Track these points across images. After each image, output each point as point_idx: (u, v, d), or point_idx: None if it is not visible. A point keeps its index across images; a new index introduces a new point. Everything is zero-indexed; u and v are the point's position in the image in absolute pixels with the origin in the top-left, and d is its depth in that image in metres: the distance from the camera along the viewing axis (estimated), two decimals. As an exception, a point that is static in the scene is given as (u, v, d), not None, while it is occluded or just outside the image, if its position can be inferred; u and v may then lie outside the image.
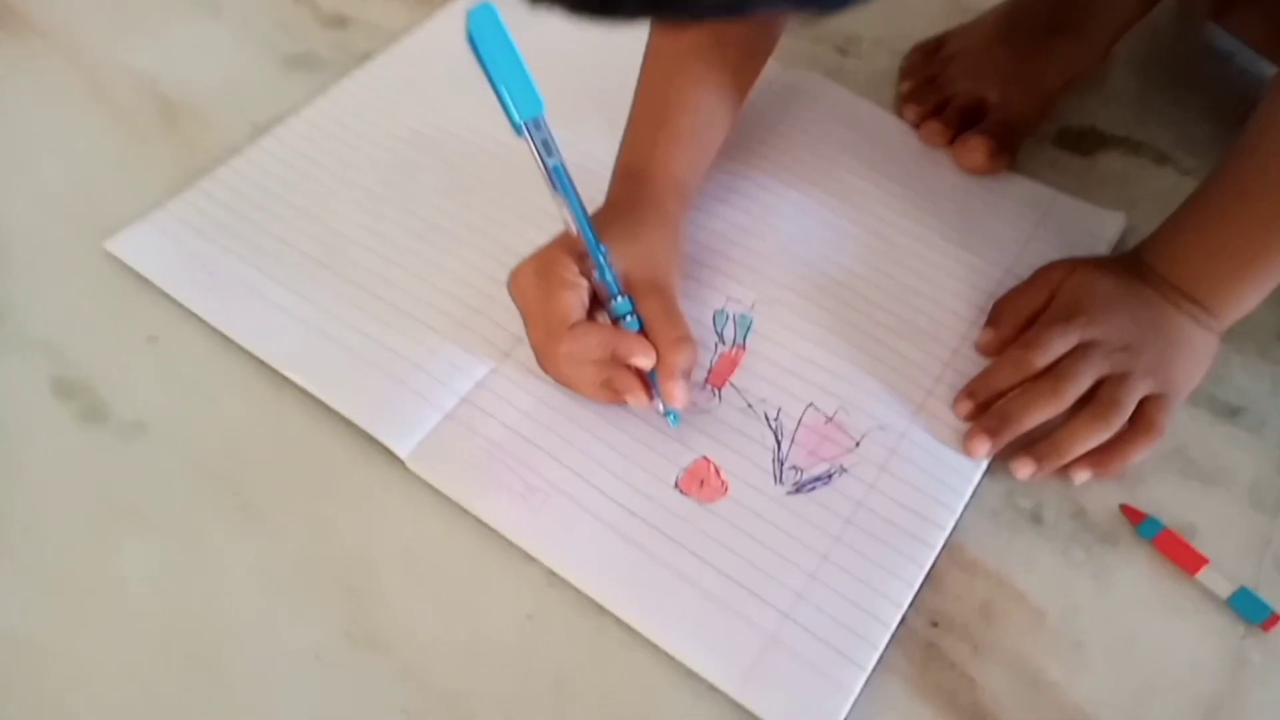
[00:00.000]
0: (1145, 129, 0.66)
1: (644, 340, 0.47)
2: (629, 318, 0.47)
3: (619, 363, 0.47)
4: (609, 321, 0.48)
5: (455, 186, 0.58)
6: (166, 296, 0.53)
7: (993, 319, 0.53)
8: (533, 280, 0.47)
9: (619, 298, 0.47)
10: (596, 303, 0.48)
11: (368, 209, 0.57)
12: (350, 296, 0.53)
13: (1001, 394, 0.49)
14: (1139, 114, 0.67)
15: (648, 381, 0.47)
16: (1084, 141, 0.65)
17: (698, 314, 0.53)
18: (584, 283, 0.47)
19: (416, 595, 0.44)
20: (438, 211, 0.57)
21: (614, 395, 0.48)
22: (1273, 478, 0.49)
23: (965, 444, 0.49)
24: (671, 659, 0.43)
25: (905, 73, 0.66)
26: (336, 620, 0.43)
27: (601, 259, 0.45)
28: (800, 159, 0.61)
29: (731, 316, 0.53)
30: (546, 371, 0.49)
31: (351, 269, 0.54)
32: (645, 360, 0.46)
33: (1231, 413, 0.52)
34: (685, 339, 0.47)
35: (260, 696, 0.42)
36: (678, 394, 0.47)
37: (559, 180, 0.42)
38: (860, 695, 0.42)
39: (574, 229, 0.45)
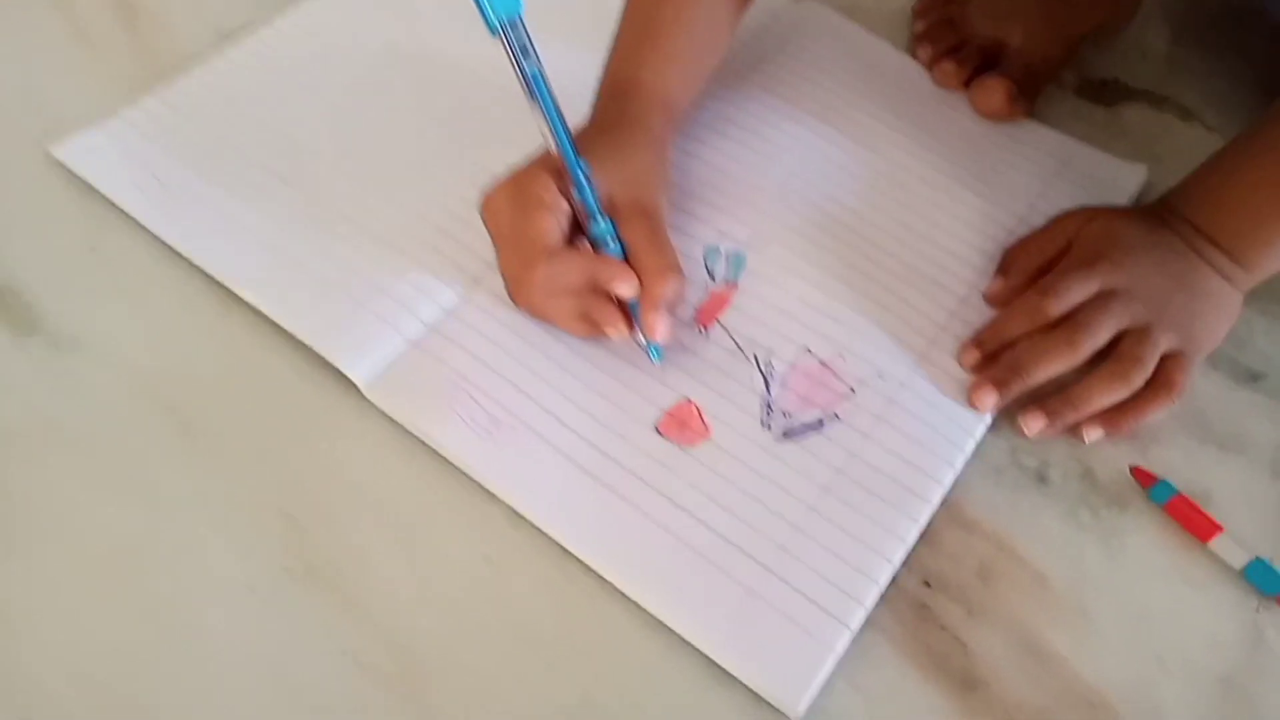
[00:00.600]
0: (1172, 84, 0.62)
1: (626, 267, 0.43)
2: (611, 242, 0.43)
3: (598, 292, 0.43)
4: (588, 248, 0.44)
5: (432, 105, 0.54)
6: (113, 207, 0.49)
7: (1003, 267, 0.50)
8: (506, 202, 0.43)
9: (600, 219, 0.43)
10: (576, 229, 0.44)
11: (338, 125, 0.53)
12: (313, 215, 0.49)
13: (1011, 345, 0.46)
14: (1167, 69, 0.63)
15: (629, 313, 0.44)
16: (1107, 93, 0.61)
17: (688, 249, 0.49)
18: (563, 204, 0.43)
19: (364, 531, 0.41)
20: (412, 130, 0.53)
21: (592, 328, 0.44)
22: (1296, 446, 0.46)
23: (970, 395, 0.45)
24: (641, 610, 0.39)
25: (920, 11, 0.62)
26: (275, 552, 0.40)
27: (581, 175, 0.42)
28: (805, 94, 0.57)
29: (724, 253, 0.50)
30: (518, 303, 0.45)
31: (316, 187, 0.50)
32: (628, 288, 0.42)
33: (1252, 377, 0.49)
34: (672, 267, 0.43)
35: (188, 628, 0.38)
36: (660, 327, 0.43)
37: (536, 87, 0.39)
38: (845, 656, 0.38)
39: (552, 144, 0.41)
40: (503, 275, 0.45)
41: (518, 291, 0.45)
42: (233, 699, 0.37)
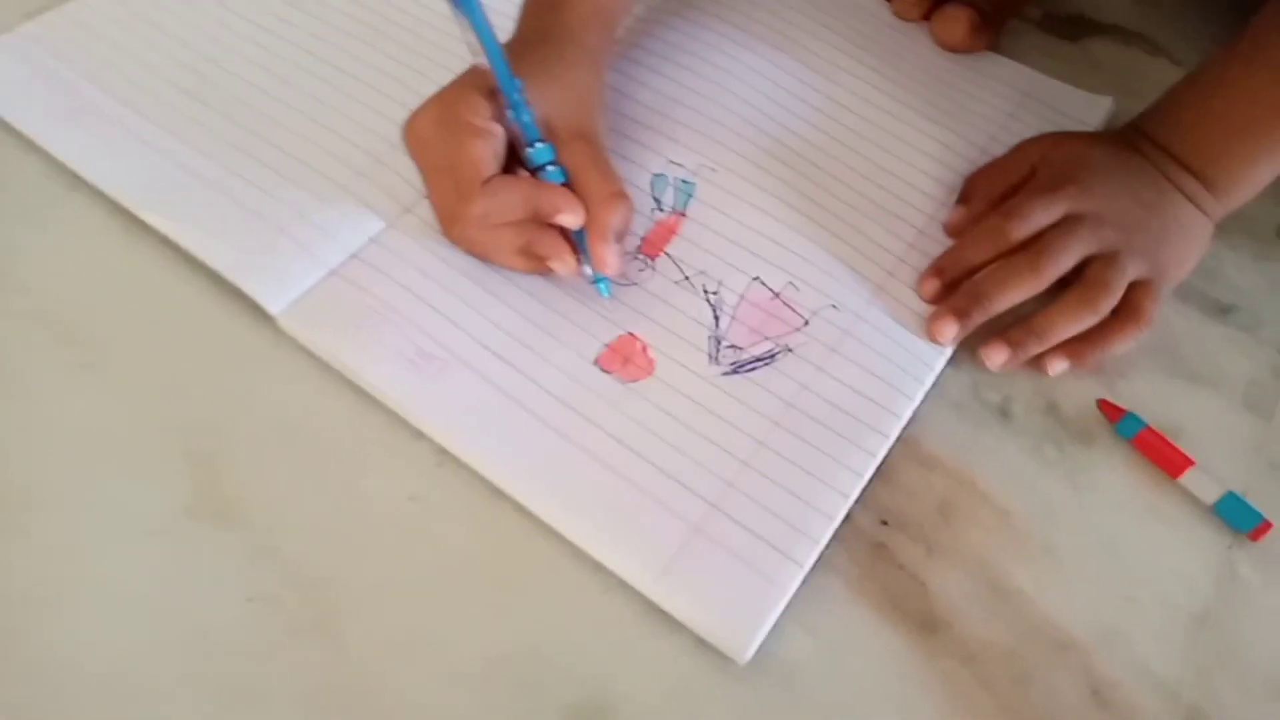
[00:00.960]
0: (1140, 19, 0.60)
1: (571, 194, 0.40)
2: (550, 168, 0.40)
3: (540, 223, 0.40)
4: (526, 175, 0.41)
5: (364, 26, 0.51)
6: (9, 127, 0.45)
7: (964, 195, 0.47)
8: (434, 128, 0.40)
9: (538, 144, 0.40)
10: (512, 155, 0.41)
11: (262, 44, 0.49)
12: (230, 136, 0.45)
13: (973, 271, 0.43)
14: (1133, 3, 0.61)
15: (574, 244, 0.40)
16: (1072, 27, 0.59)
17: (634, 177, 0.46)
18: (497, 129, 0.39)
19: (277, 469, 0.37)
20: (342, 51, 0.50)
21: (535, 263, 0.41)
22: (1269, 380, 0.44)
23: (930, 326, 0.42)
24: (578, 550, 0.36)
25: (880, -58, 0.60)
26: (179, 492, 0.36)
27: (516, 95, 0.38)
28: (760, 21, 0.54)
29: (671, 181, 0.47)
30: (453, 239, 0.42)
31: (236, 107, 0.46)
32: (573, 218, 0.39)
33: (1223, 311, 0.47)
34: (619, 194, 0.40)
35: (81, 571, 0.35)
36: (611, 258, 0.40)
37: None
38: (796, 595, 0.36)
39: (483, 59, 0.37)
40: (434, 208, 0.42)
41: (451, 226, 0.41)
42: (129, 648, 0.33)
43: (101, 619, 0.34)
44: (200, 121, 0.46)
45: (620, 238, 0.41)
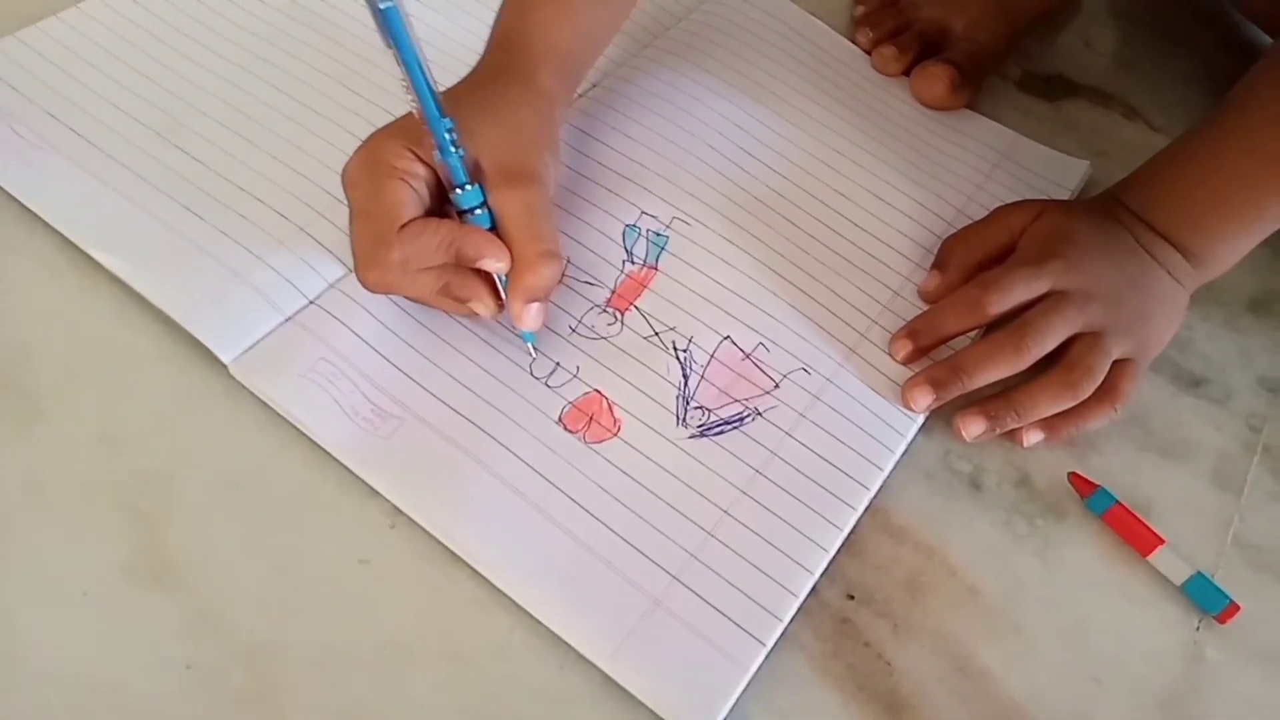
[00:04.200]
0: (1118, 81, 0.60)
1: (494, 239, 0.38)
2: (478, 212, 0.38)
3: (463, 266, 0.38)
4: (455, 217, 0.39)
5: (337, 66, 0.50)
6: (-41, 158, 0.43)
7: (940, 261, 0.47)
8: (359, 171, 0.38)
9: (466, 186, 0.37)
10: (444, 199, 0.39)
11: (231, 82, 0.48)
12: (191, 174, 0.44)
13: (947, 339, 0.43)
14: (1113, 66, 0.61)
15: (495, 286, 0.39)
16: (1050, 88, 0.59)
17: (606, 228, 0.45)
18: (420, 170, 0.37)
19: (223, 528, 0.36)
20: (313, 91, 0.48)
21: (457, 305, 0.39)
22: (1239, 455, 0.44)
23: (904, 393, 0.42)
24: (535, 622, 0.35)
25: (862, -6, 0.60)
26: (117, 551, 0.35)
27: (444, 134, 0.36)
28: (739, 72, 0.54)
29: (644, 233, 0.46)
30: (366, 283, 0.38)
31: (198, 145, 0.45)
32: (497, 264, 0.38)
33: (1195, 383, 0.46)
34: (547, 254, 0.38)
35: (11, 634, 0.33)
36: (529, 319, 0.38)
37: (390, 25, 0.33)
38: (757, 674, 0.35)
39: (411, 98, 0.35)
40: (353, 252, 0.39)
41: (366, 271, 0.38)
42: (60, 716, 0.32)
43: (31, 685, 0.32)
44: (162, 160, 0.44)
45: (546, 296, 0.39)
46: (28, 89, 0.46)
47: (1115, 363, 0.42)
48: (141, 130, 0.45)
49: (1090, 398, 0.42)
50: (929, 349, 0.43)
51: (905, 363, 0.43)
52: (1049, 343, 0.42)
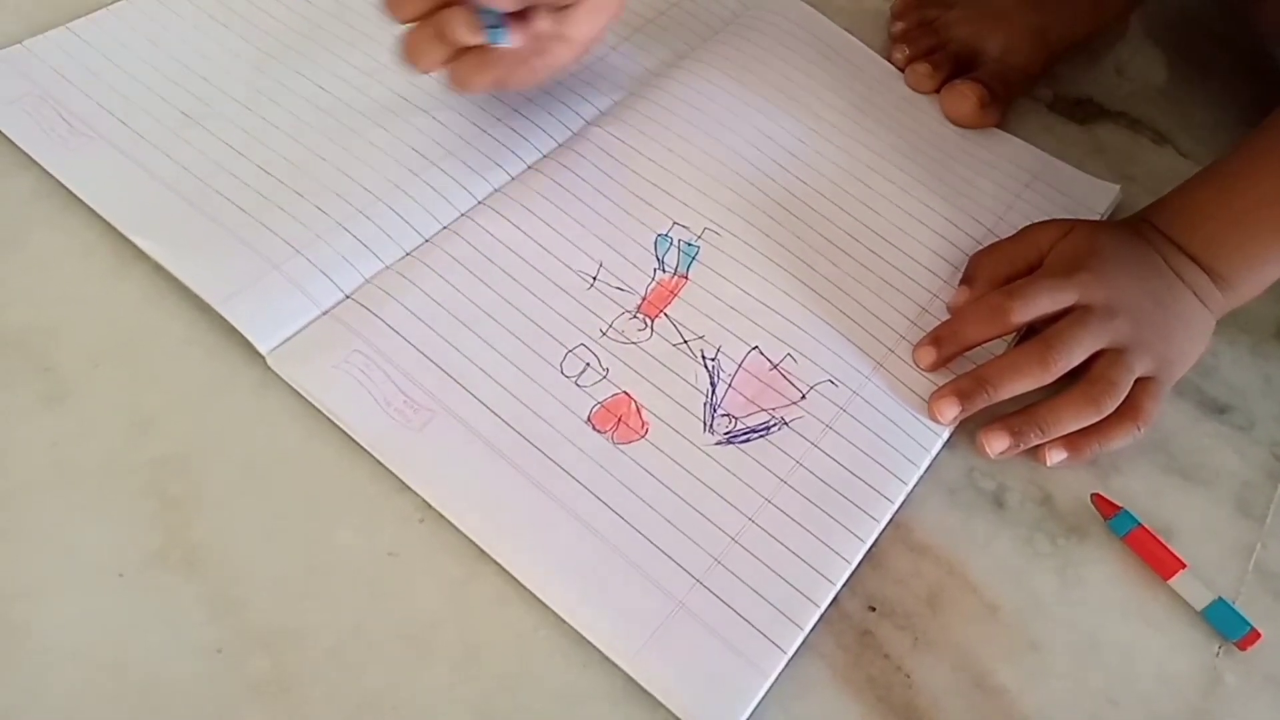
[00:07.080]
0: (1149, 107, 0.60)
1: None
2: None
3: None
4: None
5: (376, 63, 0.50)
6: (5, 139, 0.44)
7: (968, 276, 0.47)
8: None
9: None
10: None
11: (269, 74, 0.49)
12: (231, 166, 0.44)
13: (970, 346, 0.43)
14: (1145, 91, 0.61)
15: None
16: (1081, 111, 0.59)
17: (638, 235, 0.46)
18: None
19: (253, 516, 0.36)
20: (350, 86, 0.49)
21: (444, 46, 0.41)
22: (1262, 482, 0.44)
23: (931, 405, 0.42)
24: (559, 620, 0.35)
25: (898, 13, 0.60)
26: (145, 534, 0.35)
27: None
28: (774, 85, 0.54)
29: (676, 243, 0.46)
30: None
31: (238, 136, 0.46)
32: None
33: (1219, 409, 0.46)
34: None
35: (44, 616, 0.33)
36: None
37: None
38: (777, 680, 0.35)
39: None
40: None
41: None
42: (86, 695, 0.32)
43: (60, 665, 0.32)
44: (201, 147, 0.45)
45: None
46: (77, 78, 0.46)
47: (1138, 381, 0.42)
48: (184, 121, 0.46)
49: (1113, 416, 0.42)
50: (952, 356, 0.43)
51: (929, 370, 0.43)
52: (1075, 356, 0.42)
